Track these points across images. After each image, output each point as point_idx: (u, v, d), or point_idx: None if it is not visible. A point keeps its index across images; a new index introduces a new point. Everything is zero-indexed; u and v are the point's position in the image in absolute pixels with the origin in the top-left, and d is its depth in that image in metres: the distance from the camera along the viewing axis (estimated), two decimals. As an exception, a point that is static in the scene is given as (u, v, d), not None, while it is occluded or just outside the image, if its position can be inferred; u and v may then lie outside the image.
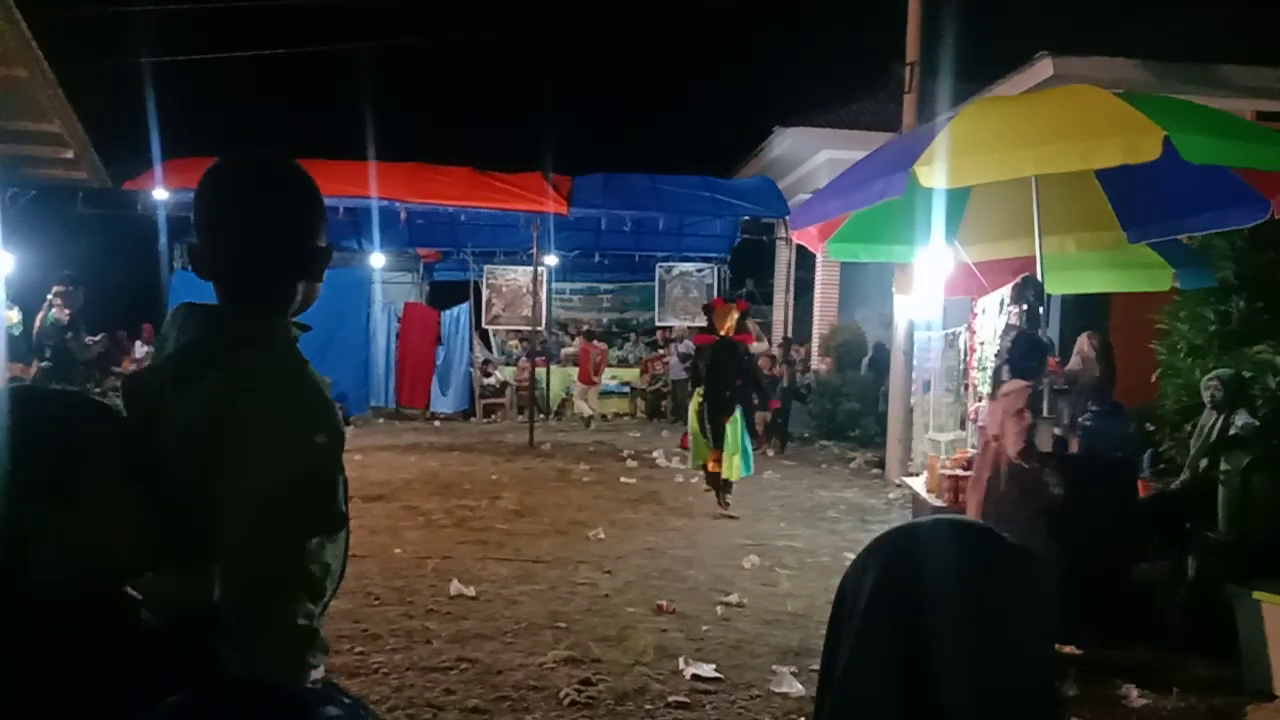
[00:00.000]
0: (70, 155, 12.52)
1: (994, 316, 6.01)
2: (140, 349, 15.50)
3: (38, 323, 8.56)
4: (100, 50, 15.53)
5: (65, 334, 8.37)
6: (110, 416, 1.29)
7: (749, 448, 8.62)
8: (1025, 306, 5.30)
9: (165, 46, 15.78)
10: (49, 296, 8.52)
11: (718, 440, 8.41)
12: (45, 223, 13.07)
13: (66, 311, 8.40)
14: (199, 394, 1.46)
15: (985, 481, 4.90)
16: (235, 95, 20.72)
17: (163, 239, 15.68)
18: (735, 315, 8.59)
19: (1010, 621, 0.97)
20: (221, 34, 19.77)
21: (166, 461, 1.39)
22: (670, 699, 4.17)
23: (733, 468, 8.40)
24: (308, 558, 1.47)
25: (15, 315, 11.34)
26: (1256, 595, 4.50)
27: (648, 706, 4.10)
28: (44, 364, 8.45)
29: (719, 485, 8.57)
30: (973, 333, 6.66)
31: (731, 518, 8.34)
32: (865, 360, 14.76)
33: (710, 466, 8.55)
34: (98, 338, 9.04)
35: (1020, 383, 4.90)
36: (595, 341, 16.93)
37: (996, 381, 5.09)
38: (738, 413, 8.39)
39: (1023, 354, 5.04)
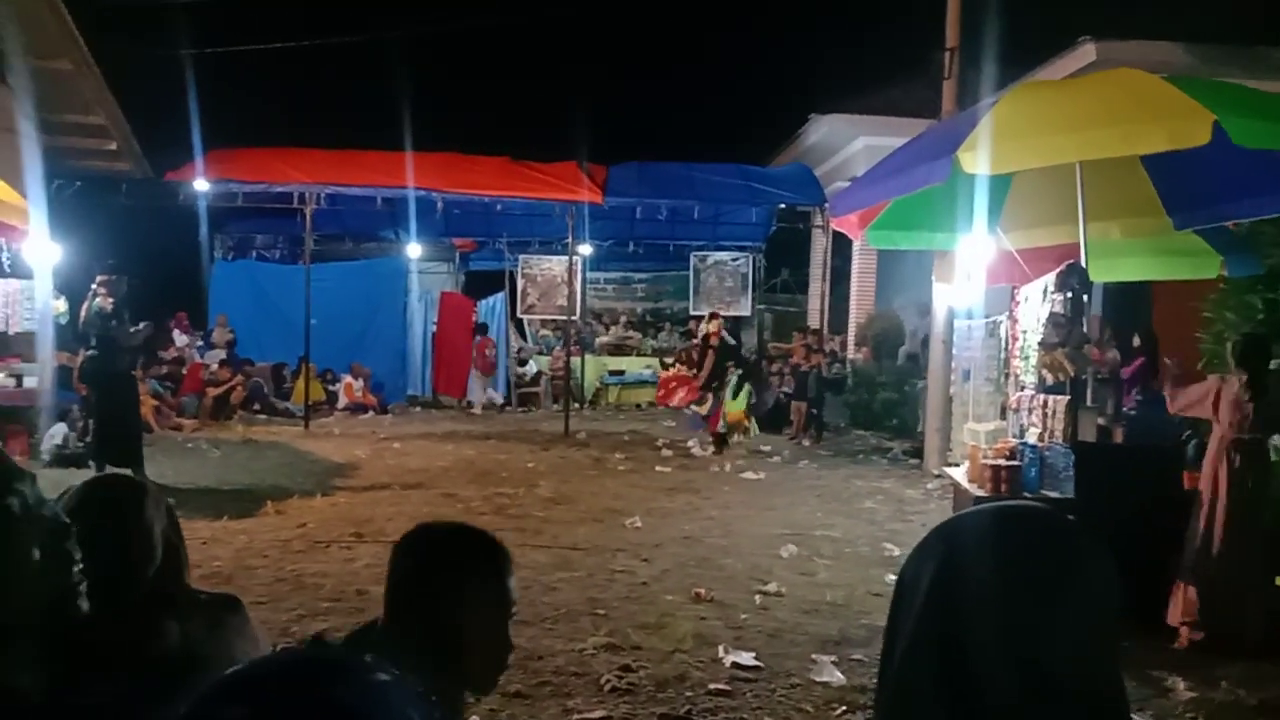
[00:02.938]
0: (113, 147, 12.74)
1: (1037, 305, 5.94)
2: (180, 338, 15.71)
3: (83, 312, 8.69)
4: (142, 42, 15.74)
5: (110, 322, 8.49)
6: None
7: None
8: (1070, 294, 5.24)
9: (206, 38, 15.94)
10: (93, 286, 8.65)
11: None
12: (89, 213, 13.26)
13: (110, 300, 8.51)
14: None
15: None
16: (274, 86, 20.90)
17: (203, 229, 15.91)
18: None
19: (1071, 612, 0.94)
20: (261, 25, 19.94)
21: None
22: (710, 686, 4.18)
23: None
24: None
25: (61, 304, 11.55)
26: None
27: (688, 693, 4.11)
28: (89, 352, 8.58)
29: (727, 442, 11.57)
30: (1014, 321, 6.58)
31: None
32: (903, 350, 14.65)
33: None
34: (141, 326, 9.17)
35: None
36: (489, 335, 16.84)
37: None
38: None
39: None
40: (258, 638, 1.97)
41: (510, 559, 1.68)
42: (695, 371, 13.23)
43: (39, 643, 1.50)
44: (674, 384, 14.54)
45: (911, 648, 0.97)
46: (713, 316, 13.51)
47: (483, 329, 16.60)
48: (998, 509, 1.03)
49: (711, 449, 11.58)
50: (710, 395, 11.97)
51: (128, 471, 6.86)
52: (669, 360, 18.10)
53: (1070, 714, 0.92)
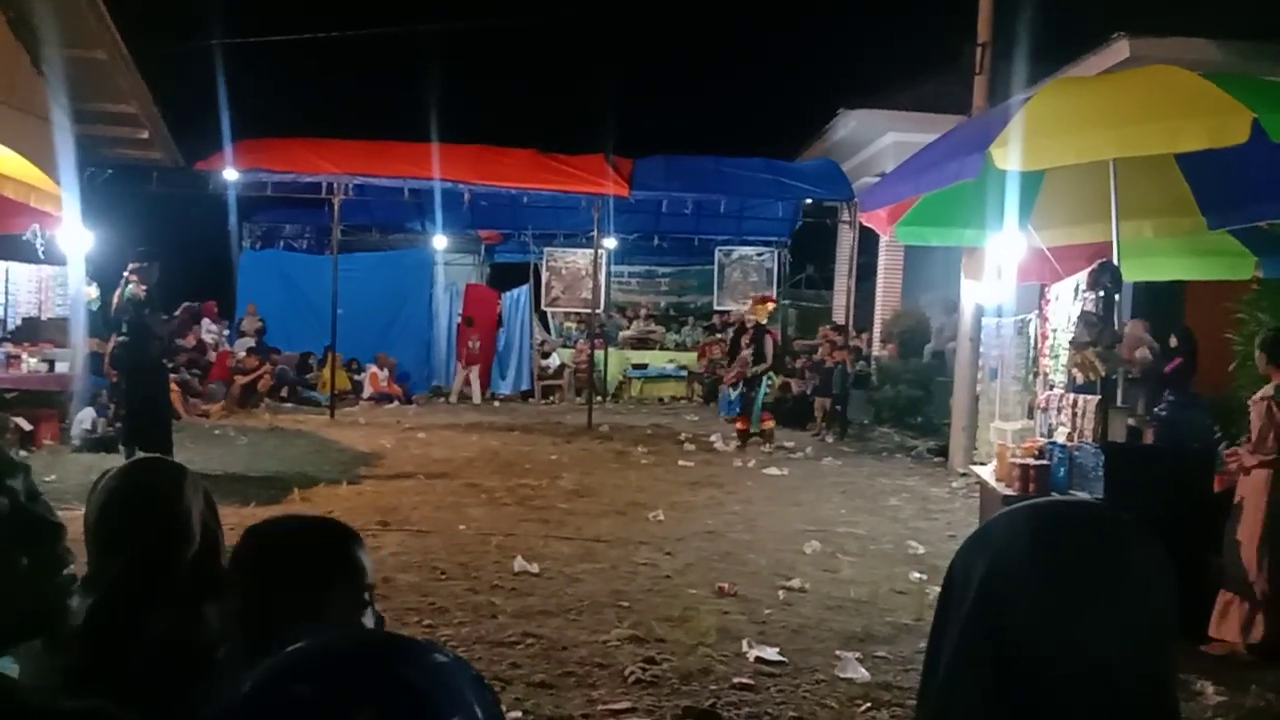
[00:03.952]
0: (145, 136, 12.88)
1: (1068, 303, 5.89)
2: (208, 326, 15.84)
3: (115, 298, 8.77)
4: (174, 32, 15.87)
5: (143, 309, 8.58)
6: None
7: None
8: (1102, 293, 5.19)
9: (236, 28, 16.07)
10: (125, 273, 8.73)
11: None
12: (122, 201, 13.40)
13: (143, 287, 8.60)
14: None
15: None
16: (304, 78, 21.01)
17: (232, 218, 16.04)
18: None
19: (1128, 610, 0.92)
20: (291, 15, 20.04)
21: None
22: (734, 680, 4.18)
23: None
24: None
25: (94, 291, 11.67)
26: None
27: (712, 687, 4.11)
28: (121, 338, 8.67)
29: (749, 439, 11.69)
30: (1044, 319, 6.53)
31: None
32: (928, 347, 14.57)
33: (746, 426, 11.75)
34: (179, 311, 9.30)
35: None
36: (473, 328, 16.87)
37: None
38: None
39: None
40: None
41: (356, 536, 1.55)
42: (727, 361, 13.12)
43: (45, 642, 1.49)
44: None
45: (961, 645, 0.96)
46: (765, 299, 12.83)
47: (468, 321, 16.72)
48: (1050, 504, 1.01)
49: (735, 443, 11.57)
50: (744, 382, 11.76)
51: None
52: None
53: (1125, 713, 0.90)
